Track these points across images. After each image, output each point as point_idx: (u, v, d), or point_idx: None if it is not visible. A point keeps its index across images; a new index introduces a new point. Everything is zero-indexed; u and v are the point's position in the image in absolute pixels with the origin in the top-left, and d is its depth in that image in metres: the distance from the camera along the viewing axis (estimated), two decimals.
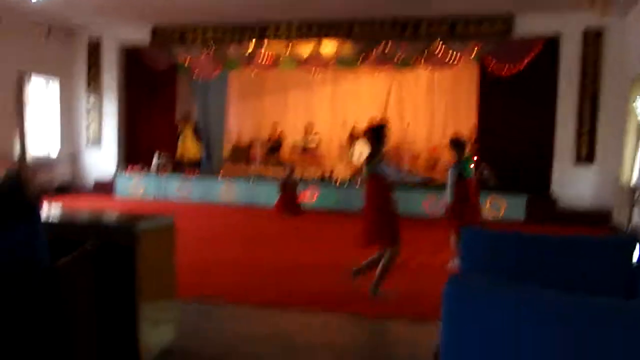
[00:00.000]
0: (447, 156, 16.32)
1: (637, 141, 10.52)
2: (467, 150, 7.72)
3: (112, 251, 4.08)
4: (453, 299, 1.63)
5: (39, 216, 3.47)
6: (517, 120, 13.58)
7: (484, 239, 2.73)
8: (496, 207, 12.52)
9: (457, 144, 7.67)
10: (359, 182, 6.65)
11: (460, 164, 7.64)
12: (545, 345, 1.46)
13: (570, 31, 12.69)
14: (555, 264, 2.64)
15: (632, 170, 10.66)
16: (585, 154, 12.70)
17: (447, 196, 7.72)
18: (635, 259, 2.82)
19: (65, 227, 4.33)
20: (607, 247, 2.75)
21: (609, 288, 2.43)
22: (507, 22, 13.04)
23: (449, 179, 7.69)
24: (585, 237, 2.88)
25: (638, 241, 2.95)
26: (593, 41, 12.55)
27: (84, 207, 12.52)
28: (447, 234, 8.05)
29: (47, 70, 15.18)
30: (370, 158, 6.32)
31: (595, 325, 1.42)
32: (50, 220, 4.35)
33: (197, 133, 17.22)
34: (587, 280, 2.52)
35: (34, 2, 11.90)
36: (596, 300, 1.49)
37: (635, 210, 10.20)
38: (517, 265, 2.62)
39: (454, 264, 7.53)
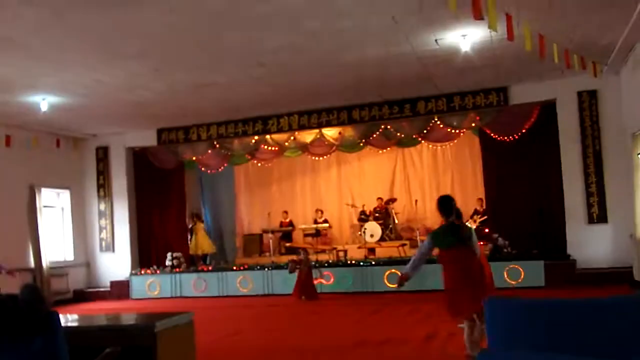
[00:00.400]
0: None
1: None
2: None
3: (133, 352, 4.03)
4: None
5: (58, 326, 3.45)
6: (524, 185, 13.64)
7: (509, 310, 2.69)
8: (515, 276, 12.35)
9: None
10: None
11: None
12: None
13: (564, 95, 12.92)
14: (584, 328, 2.59)
15: None
16: (597, 214, 12.63)
17: None
18: None
19: (83, 334, 4.30)
20: (635, 306, 2.71)
21: None
22: (501, 92, 13.30)
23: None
24: (611, 298, 2.84)
25: None
26: (589, 102, 12.74)
27: (101, 311, 12.42)
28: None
29: (57, 180, 15.46)
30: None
31: None
32: (69, 327, 4.32)
33: (208, 230, 17.32)
34: (621, 343, 2.47)
35: (43, 112, 12.24)
36: None
37: None
38: (546, 333, 2.57)
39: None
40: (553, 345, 2.33)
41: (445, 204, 6.31)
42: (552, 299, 2.83)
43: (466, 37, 9.65)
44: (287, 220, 17.71)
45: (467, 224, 13.74)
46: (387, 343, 7.85)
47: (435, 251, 6.46)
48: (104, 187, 16.33)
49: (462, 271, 6.06)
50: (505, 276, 12.35)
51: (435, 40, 9.80)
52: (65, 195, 15.97)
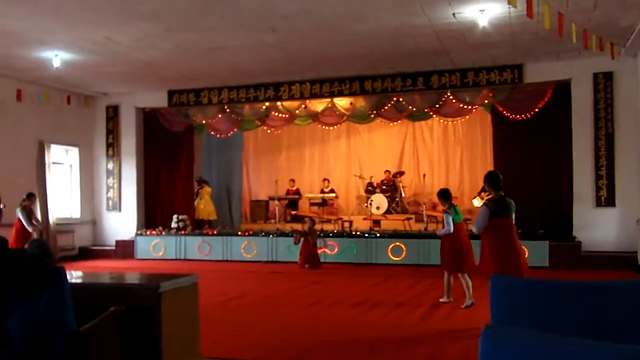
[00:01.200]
0: (466, 204, 16.31)
1: None
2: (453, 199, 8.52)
3: (137, 312, 4.07)
4: (490, 354, 1.60)
5: (64, 282, 3.48)
6: (534, 165, 13.56)
7: (512, 288, 2.69)
8: None
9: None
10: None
11: (450, 210, 8.30)
12: None
13: (580, 75, 12.78)
14: (589, 311, 2.59)
15: None
16: (606, 197, 12.58)
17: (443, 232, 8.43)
18: None
19: (88, 291, 4.34)
20: (637, 290, 2.70)
21: None
22: (516, 70, 13.16)
23: (445, 220, 8.40)
24: (616, 281, 2.84)
25: None
26: (604, 84, 12.60)
27: (105, 270, 12.54)
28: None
29: (67, 137, 15.49)
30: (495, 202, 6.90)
31: None
32: (74, 284, 4.36)
33: (215, 194, 17.42)
34: (623, 327, 2.46)
35: (55, 68, 12.22)
36: None
37: None
38: (548, 313, 2.57)
39: (445, 299, 8.39)
40: (556, 325, 2.33)
41: (496, 179, 7.01)
42: (556, 280, 2.83)
43: (484, 12, 9.51)
44: (294, 188, 17.74)
45: (474, 200, 13.97)
46: (389, 313, 7.91)
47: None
48: (113, 146, 16.36)
49: (507, 238, 6.77)
50: None
51: (453, 14, 9.67)
52: (74, 153, 16.03)
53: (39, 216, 13.04)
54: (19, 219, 11.53)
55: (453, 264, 8.32)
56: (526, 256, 7.72)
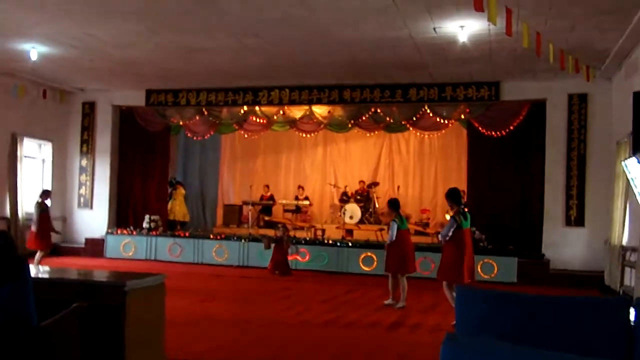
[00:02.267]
0: (438, 217, 16.44)
1: (625, 203, 10.60)
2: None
3: (101, 310, 4.02)
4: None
5: (27, 275, 3.42)
6: (507, 182, 13.74)
7: (479, 299, 2.71)
8: (488, 270, 12.47)
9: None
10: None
11: (459, 214, 7.97)
12: None
13: (555, 96, 12.97)
14: (552, 324, 2.62)
15: (621, 232, 10.70)
16: (575, 217, 12.77)
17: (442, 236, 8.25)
18: (632, 319, 2.80)
19: (54, 286, 4.28)
20: (602, 308, 2.74)
21: (606, 349, 2.40)
22: (493, 87, 13.32)
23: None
24: (580, 297, 2.88)
25: (630, 303, 2.94)
26: (578, 105, 12.81)
27: (73, 267, 12.37)
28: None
29: (40, 131, 15.27)
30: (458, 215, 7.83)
31: None
32: (39, 279, 4.29)
33: (186, 196, 17.36)
34: (584, 341, 2.50)
35: (33, 61, 12.06)
36: None
37: (627, 271, 10.18)
38: (513, 325, 2.59)
39: (390, 302, 8.71)
40: (520, 337, 2.35)
41: (457, 195, 8.03)
42: (522, 293, 2.86)
43: (464, 28, 9.61)
44: (268, 194, 17.71)
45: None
46: (358, 321, 7.92)
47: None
48: (87, 142, 16.17)
49: (466, 247, 7.84)
50: (479, 270, 12.44)
51: (434, 29, 9.76)
52: (47, 148, 15.80)
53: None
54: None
55: (398, 267, 9.06)
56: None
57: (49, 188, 12.66)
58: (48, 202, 12.00)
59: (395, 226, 9.11)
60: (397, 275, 9.20)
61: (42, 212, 11.69)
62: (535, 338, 2.48)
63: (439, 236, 8.54)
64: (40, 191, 12.18)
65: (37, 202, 11.74)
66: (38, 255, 11.55)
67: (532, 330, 2.52)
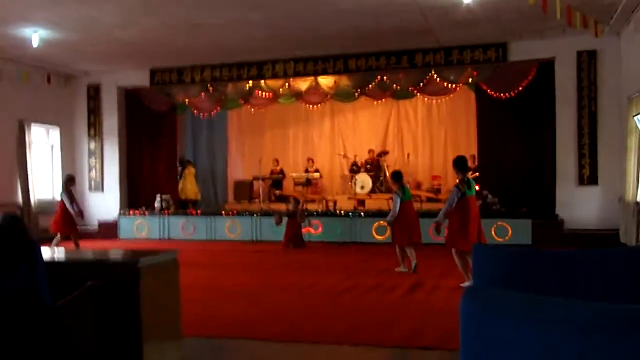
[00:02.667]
0: (449, 184, 16.37)
1: (639, 159, 10.47)
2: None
3: (116, 288, 4.01)
4: (471, 315, 1.56)
5: (39, 256, 3.41)
6: (517, 144, 13.61)
7: (496, 257, 2.67)
8: (502, 233, 12.42)
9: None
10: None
11: (463, 182, 8.08)
12: (582, 358, 1.39)
13: (563, 54, 12.77)
14: (571, 278, 2.57)
15: (636, 188, 10.59)
16: (588, 175, 12.65)
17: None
18: None
19: (68, 266, 4.27)
20: (622, 259, 2.69)
21: (632, 298, 2.35)
22: (500, 48, 13.13)
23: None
24: (599, 250, 2.82)
25: None
26: (587, 62, 12.61)
27: (88, 248, 12.44)
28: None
29: (47, 117, 15.26)
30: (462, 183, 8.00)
31: (629, 332, 1.35)
32: (53, 260, 4.29)
33: (196, 175, 17.34)
34: (606, 294, 2.45)
35: (35, 47, 12.00)
36: (629, 307, 1.42)
37: None
38: (531, 281, 2.55)
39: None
40: (538, 292, 2.30)
41: (464, 163, 8.23)
42: (538, 249, 2.81)
43: None
44: (278, 168, 17.67)
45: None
46: (372, 291, 7.91)
47: None
48: (94, 126, 16.16)
49: (473, 213, 7.98)
50: (493, 233, 12.41)
51: None
52: (55, 133, 15.80)
53: None
54: (62, 202, 11.32)
55: (404, 239, 9.24)
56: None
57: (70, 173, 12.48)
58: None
59: (399, 200, 9.27)
60: (404, 247, 9.37)
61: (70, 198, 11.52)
62: (555, 293, 2.43)
63: (444, 209, 8.29)
64: (64, 177, 12.02)
65: (65, 190, 11.42)
66: (74, 239, 11.46)
67: (552, 285, 2.48)
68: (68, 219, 11.28)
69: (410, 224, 9.27)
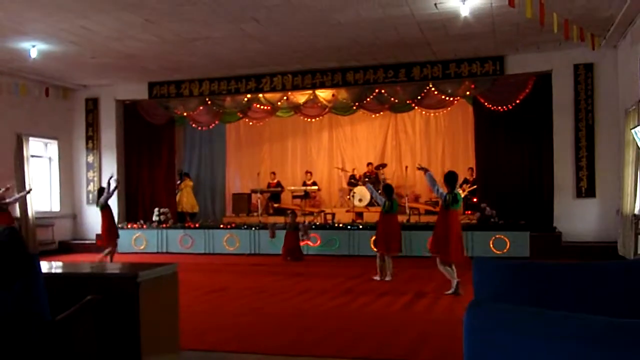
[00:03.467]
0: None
1: (636, 171, 10.50)
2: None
3: (115, 302, 4.00)
4: (475, 329, 1.56)
5: (38, 269, 3.40)
6: (515, 156, 13.66)
7: (496, 270, 2.67)
8: (500, 245, 12.42)
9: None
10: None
11: (450, 195, 8.44)
12: None
13: (560, 67, 12.83)
14: (569, 291, 2.57)
15: (634, 200, 10.61)
16: (586, 188, 12.67)
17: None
18: None
19: (66, 280, 4.25)
20: (621, 271, 2.69)
21: (631, 311, 2.35)
22: (498, 61, 13.19)
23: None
24: (595, 263, 2.83)
25: None
26: (584, 75, 12.67)
27: (86, 261, 12.39)
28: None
29: (45, 130, 15.28)
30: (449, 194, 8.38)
31: (634, 347, 1.35)
32: (52, 274, 4.27)
33: (194, 188, 17.36)
34: (606, 306, 2.45)
35: (33, 59, 12.03)
36: (634, 322, 1.42)
37: None
38: (531, 294, 2.55)
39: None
40: (538, 304, 2.30)
41: (453, 179, 8.57)
42: (538, 262, 2.81)
43: (466, 2, 9.50)
44: (275, 181, 17.68)
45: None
46: (373, 303, 7.89)
47: None
48: (92, 139, 16.16)
49: (454, 227, 8.37)
50: (491, 246, 12.43)
51: (435, 4, 9.65)
52: (53, 146, 15.81)
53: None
54: (104, 213, 11.56)
55: (381, 246, 9.83)
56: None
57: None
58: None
59: (378, 198, 10.54)
60: (383, 256, 9.85)
61: (102, 209, 11.60)
62: (555, 306, 2.43)
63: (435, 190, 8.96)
64: (98, 191, 12.22)
65: (101, 198, 11.58)
66: (106, 251, 11.51)
67: (551, 298, 2.47)
68: (113, 230, 11.53)
69: (391, 236, 9.77)
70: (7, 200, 11.81)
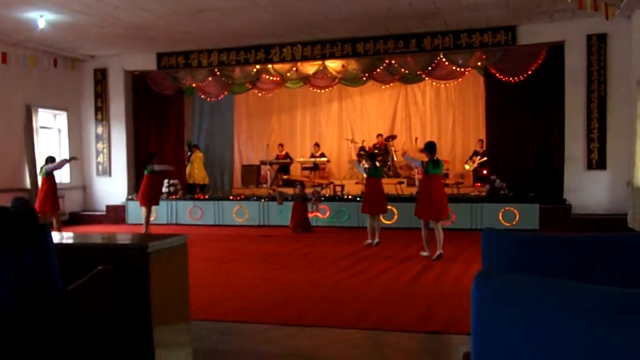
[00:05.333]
0: (457, 168, 16.37)
1: None
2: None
3: (125, 272, 4.03)
4: (483, 300, 1.55)
5: (49, 240, 3.42)
6: (526, 128, 13.54)
7: (505, 241, 2.65)
8: (510, 217, 12.41)
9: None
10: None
11: (429, 162, 9.07)
12: (595, 342, 1.39)
13: (573, 37, 12.66)
14: (578, 263, 2.56)
15: None
16: (597, 160, 12.59)
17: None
18: None
19: (77, 251, 4.28)
20: (629, 244, 2.67)
21: None
22: (509, 31, 13.03)
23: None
24: (606, 235, 2.80)
25: None
26: (597, 46, 12.50)
27: (96, 232, 12.49)
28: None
29: (54, 101, 15.28)
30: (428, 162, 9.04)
31: None
32: (63, 244, 4.30)
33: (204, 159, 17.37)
34: (612, 277, 2.44)
35: (41, 29, 11.98)
36: None
37: None
38: (540, 266, 2.54)
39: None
40: (547, 276, 2.29)
41: (432, 146, 9.24)
42: (548, 234, 2.80)
43: None
44: (283, 153, 17.65)
45: (465, 165, 14.92)
46: (381, 276, 7.93)
47: None
48: (101, 110, 16.17)
49: (432, 190, 9.05)
50: (500, 217, 12.42)
51: None
52: (62, 117, 15.83)
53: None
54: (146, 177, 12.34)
55: (365, 207, 10.73)
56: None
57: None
58: (156, 166, 12.53)
59: (363, 172, 11.86)
60: (374, 217, 10.74)
61: (150, 173, 12.31)
62: (564, 277, 2.42)
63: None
64: (149, 156, 12.94)
65: (151, 166, 12.32)
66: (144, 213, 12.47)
67: (560, 270, 2.46)
68: (150, 190, 12.29)
69: (373, 198, 10.59)
70: (51, 165, 11.88)
